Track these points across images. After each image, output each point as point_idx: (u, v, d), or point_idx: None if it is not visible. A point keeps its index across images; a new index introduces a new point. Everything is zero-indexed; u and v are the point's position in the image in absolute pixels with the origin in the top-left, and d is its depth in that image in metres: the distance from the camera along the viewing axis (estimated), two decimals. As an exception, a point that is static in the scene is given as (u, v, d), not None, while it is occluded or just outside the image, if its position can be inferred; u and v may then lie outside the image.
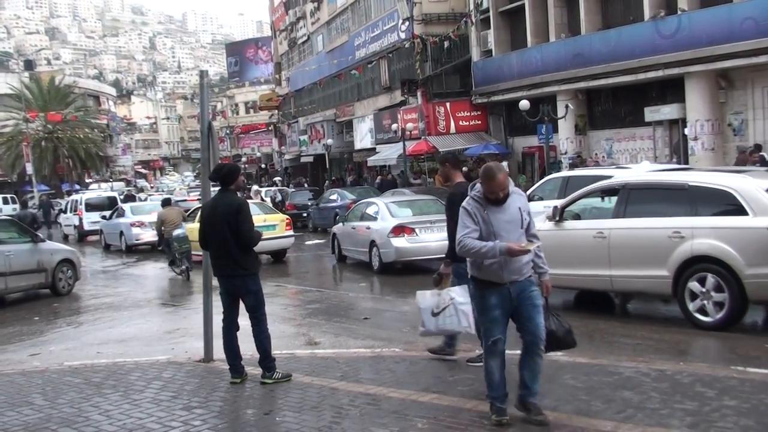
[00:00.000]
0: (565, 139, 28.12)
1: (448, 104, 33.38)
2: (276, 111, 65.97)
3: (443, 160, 7.79)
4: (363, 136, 41.92)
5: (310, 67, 51.83)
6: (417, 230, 15.56)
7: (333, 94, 48.51)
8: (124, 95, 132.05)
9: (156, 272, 19.68)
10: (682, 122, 23.81)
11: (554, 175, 17.72)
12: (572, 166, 23.81)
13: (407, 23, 35.45)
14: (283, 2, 59.15)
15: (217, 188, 7.38)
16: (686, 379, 6.50)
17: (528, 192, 15.10)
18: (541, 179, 19.26)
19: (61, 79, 65.56)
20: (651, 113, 24.68)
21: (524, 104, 25.21)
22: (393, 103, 37.97)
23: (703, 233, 8.76)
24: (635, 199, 9.74)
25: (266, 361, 7.19)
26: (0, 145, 57.19)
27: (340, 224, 18.77)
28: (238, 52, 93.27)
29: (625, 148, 26.55)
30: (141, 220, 25.47)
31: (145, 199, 36.14)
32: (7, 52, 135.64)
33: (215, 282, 7.56)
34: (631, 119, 26.30)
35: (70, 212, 33.10)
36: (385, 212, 16.45)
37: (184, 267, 17.02)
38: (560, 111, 26.37)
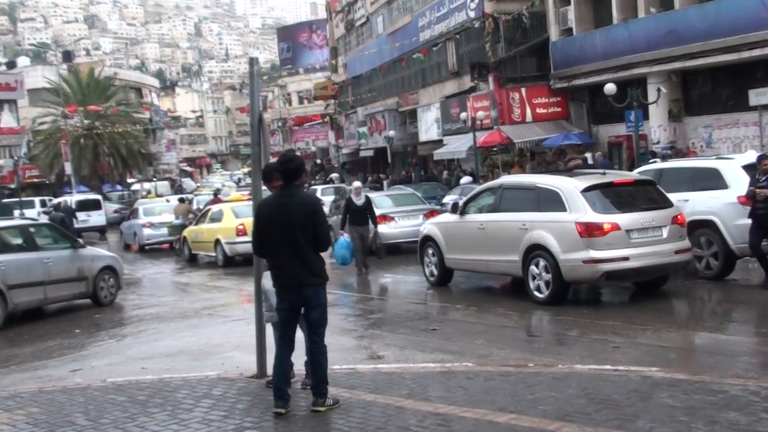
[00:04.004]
0: (657, 126, 27.66)
1: (523, 90, 33.15)
2: (332, 101, 66.40)
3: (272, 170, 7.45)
4: (428, 126, 41.91)
5: (369, 52, 52.01)
6: (396, 218, 20.71)
7: (395, 81, 48.61)
8: (168, 87, 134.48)
9: (202, 280, 20.01)
10: (793, 106, 23.25)
11: (647, 166, 17.41)
12: (664, 158, 23.37)
13: (477, 0, 35.31)
14: (340, -19, 59.56)
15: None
16: (802, 398, 6.32)
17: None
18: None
19: (101, 71, 67.14)
20: (756, 96, 24.15)
21: (610, 88, 24.88)
22: (461, 90, 37.88)
23: (538, 225, 11.80)
24: (506, 197, 12.76)
25: (321, 386, 6.93)
26: (37, 143, 58.66)
27: None
28: (291, 36, 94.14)
29: (726, 136, 26.01)
30: (152, 221, 28.75)
31: (191, 201, 37.64)
32: (44, 43, 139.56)
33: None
34: (734, 103, 25.76)
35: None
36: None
37: (177, 246, 25.21)
38: (651, 95, 25.93)
